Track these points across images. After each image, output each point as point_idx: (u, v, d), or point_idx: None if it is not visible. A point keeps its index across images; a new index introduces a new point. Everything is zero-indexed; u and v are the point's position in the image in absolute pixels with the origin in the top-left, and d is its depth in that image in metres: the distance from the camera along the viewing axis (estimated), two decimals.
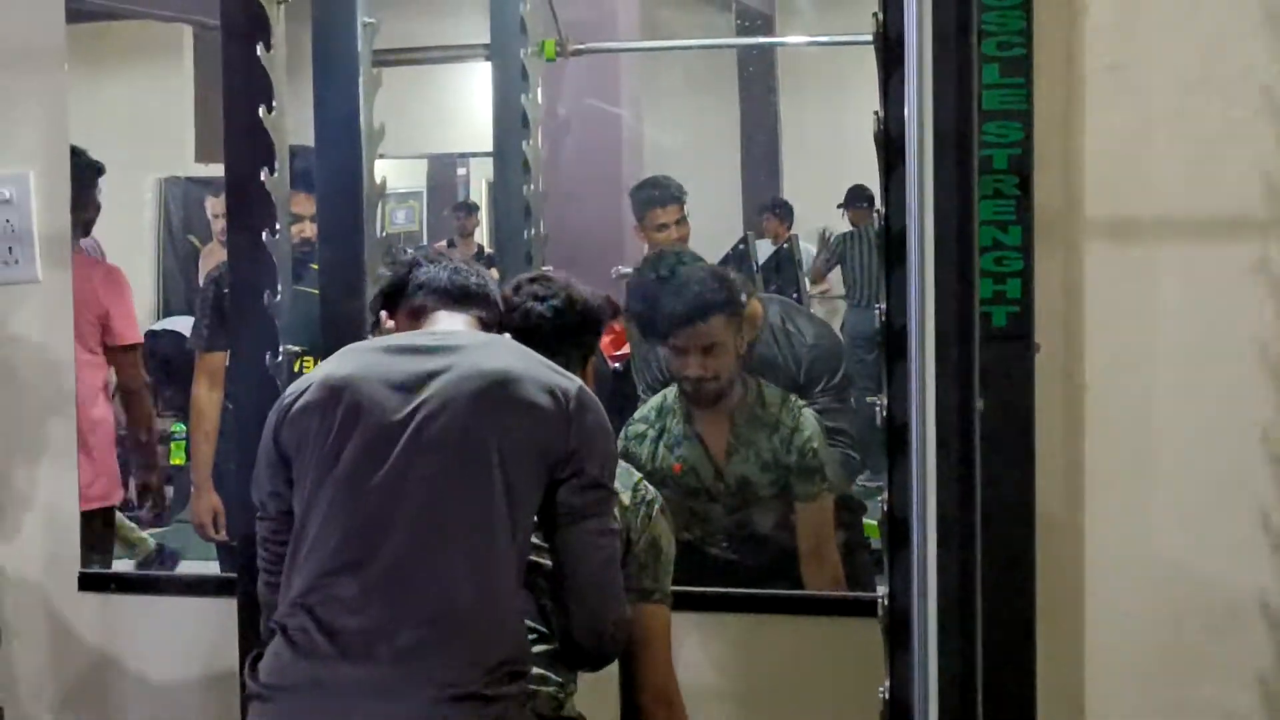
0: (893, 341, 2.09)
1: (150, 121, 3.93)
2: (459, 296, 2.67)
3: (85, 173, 3.97)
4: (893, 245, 2.07)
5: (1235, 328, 3.06)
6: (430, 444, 2.37)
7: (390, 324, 2.75)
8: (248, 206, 3.22)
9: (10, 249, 3.63)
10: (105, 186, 3.85)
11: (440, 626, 2.31)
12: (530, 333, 2.68)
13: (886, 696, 2.20)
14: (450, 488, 2.37)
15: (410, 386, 2.41)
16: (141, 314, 4.11)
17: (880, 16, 2.06)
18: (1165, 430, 3.14)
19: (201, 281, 4.10)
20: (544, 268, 3.03)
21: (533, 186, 3.94)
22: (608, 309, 2.87)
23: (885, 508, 2.20)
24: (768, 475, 3.54)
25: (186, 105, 3.79)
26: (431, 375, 2.42)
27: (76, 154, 3.96)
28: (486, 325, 2.67)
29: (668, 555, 2.71)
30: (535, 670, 2.46)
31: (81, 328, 3.90)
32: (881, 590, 2.24)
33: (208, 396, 4.09)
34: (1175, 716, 3.16)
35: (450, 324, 2.63)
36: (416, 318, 2.67)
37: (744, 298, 3.61)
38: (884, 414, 2.16)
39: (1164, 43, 3.08)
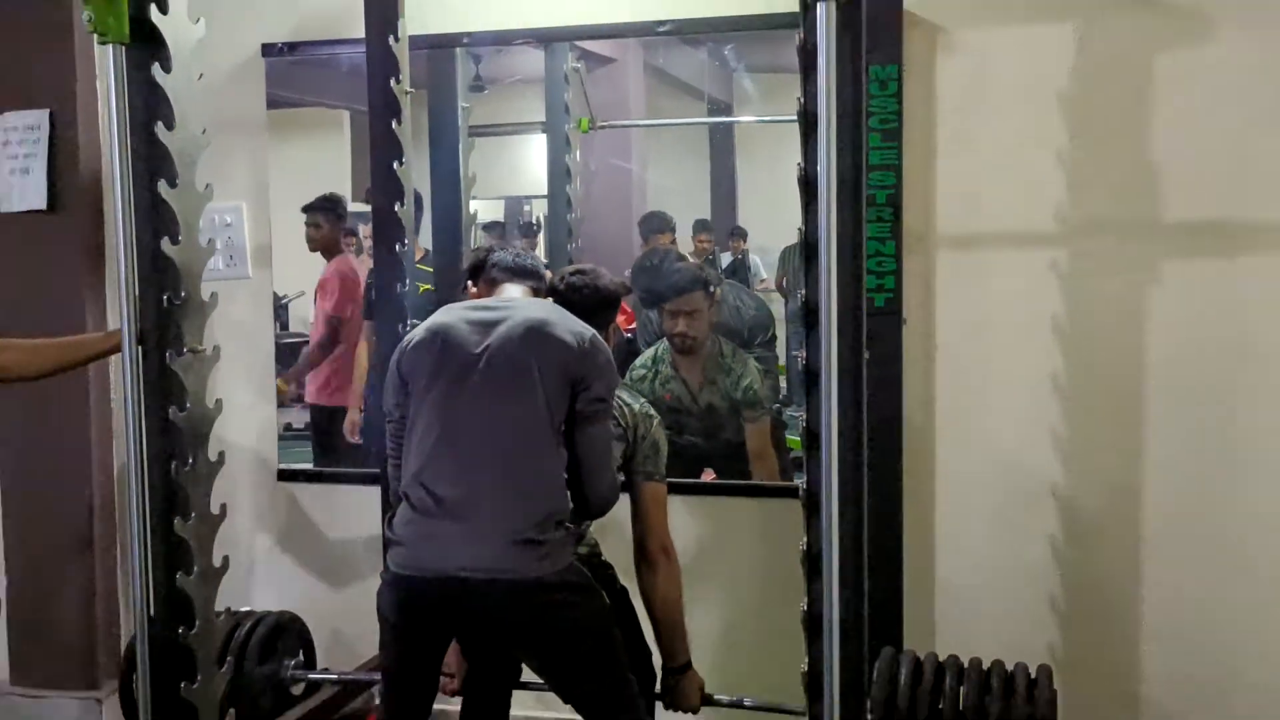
0: (810, 314, 2.11)
1: (321, 174, 4.00)
2: (519, 272, 2.69)
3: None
4: (810, 251, 2.11)
5: (1036, 307, 3.11)
6: (494, 368, 2.40)
7: (473, 290, 2.78)
8: (387, 229, 3.31)
9: (230, 256, 3.72)
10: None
11: (506, 493, 2.37)
12: (569, 304, 2.64)
13: (804, 550, 2.23)
14: (508, 397, 2.39)
15: (482, 332, 2.44)
16: None
17: (802, 101, 2.10)
18: (990, 374, 3.19)
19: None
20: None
21: (573, 215, 3.98)
22: (622, 290, 2.83)
23: (803, 425, 2.21)
24: (726, 403, 3.58)
25: (345, 163, 3.87)
26: (496, 324, 2.44)
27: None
28: (537, 292, 2.69)
29: (663, 451, 2.72)
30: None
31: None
32: (801, 480, 2.25)
33: (363, 347, 4.03)
34: (999, 566, 3.19)
35: (512, 292, 2.65)
36: (491, 286, 2.69)
37: (712, 287, 3.66)
38: (803, 362, 2.18)
39: (990, 120, 3.13)
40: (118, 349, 2.45)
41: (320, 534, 3.62)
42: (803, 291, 2.19)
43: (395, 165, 3.26)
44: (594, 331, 2.52)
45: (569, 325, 2.49)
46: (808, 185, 2.11)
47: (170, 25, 2.38)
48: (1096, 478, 3.15)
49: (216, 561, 2.55)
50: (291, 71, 3.83)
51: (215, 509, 2.53)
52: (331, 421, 4.11)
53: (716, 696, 2.83)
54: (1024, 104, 3.12)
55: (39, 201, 3.69)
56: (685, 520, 3.25)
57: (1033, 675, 2.50)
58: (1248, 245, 3.02)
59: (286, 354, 4.05)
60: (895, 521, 2.93)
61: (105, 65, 2.35)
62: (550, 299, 2.69)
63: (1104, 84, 3.07)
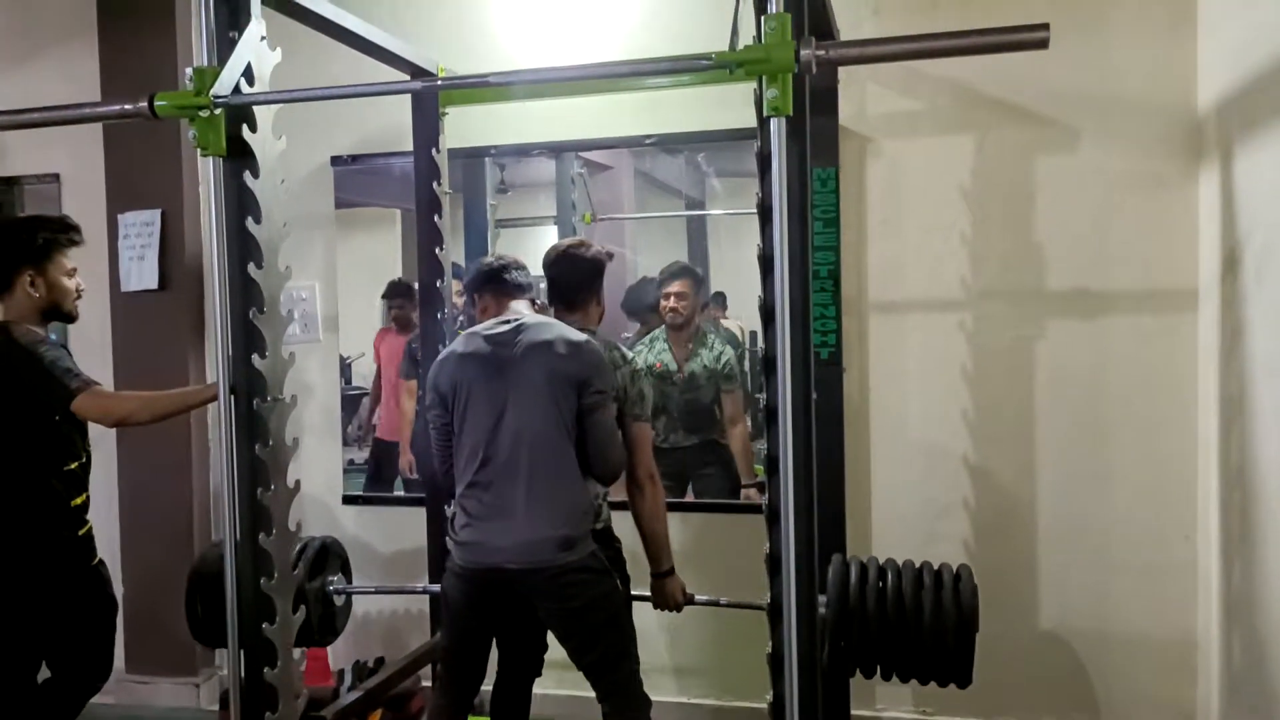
0: (769, 364, 2.08)
1: (378, 261, 4.01)
2: (518, 288, 2.65)
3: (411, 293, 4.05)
4: (768, 314, 2.08)
5: (947, 357, 3.13)
6: (517, 389, 2.40)
7: (480, 305, 2.69)
8: (430, 301, 3.28)
9: (305, 324, 3.72)
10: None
11: (537, 497, 2.37)
12: (569, 272, 2.65)
13: (767, 553, 2.14)
14: (530, 410, 2.39)
15: (501, 354, 2.44)
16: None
17: (760, 197, 2.08)
18: (911, 410, 3.19)
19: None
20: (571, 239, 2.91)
21: None
22: (605, 258, 2.73)
23: (765, 453, 2.13)
24: (705, 373, 3.56)
25: (397, 251, 3.87)
26: (512, 345, 2.44)
27: (401, 285, 3.98)
28: (533, 302, 2.66)
29: (648, 398, 2.65)
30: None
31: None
32: (763, 499, 2.14)
33: (409, 404, 3.98)
34: (926, 539, 3.15)
35: (518, 307, 2.60)
36: (498, 300, 2.64)
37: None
38: (765, 402, 2.13)
39: (908, 210, 3.15)
40: (215, 398, 2.42)
41: (375, 545, 3.55)
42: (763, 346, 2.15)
43: (437, 250, 3.25)
44: (585, 337, 2.49)
45: (566, 337, 2.47)
46: (766, 262, 2.09)
47: (258, 141, 2.37)
48: (998, 493, 3.15)
49: (294, 569, 2.50)
50: (355, 179, 3.83)
51: (292, 526, 2.49)
52: (388, 454, 4.08)
53: (697, 597, 2.76)
54: (934, 197, 3.15)
55: (152, 282, 3.68)
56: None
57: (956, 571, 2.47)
58: (1106, 308, 3.05)
59: (349, 404, 4.03)
60: (842, 532, 2.89)
61: (207, 173, 2.33)
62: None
63: (996, 181, 3.10)
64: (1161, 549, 3.02)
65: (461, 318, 3.37)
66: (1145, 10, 2.96)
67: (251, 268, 2.36)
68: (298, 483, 2.50)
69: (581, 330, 2.57)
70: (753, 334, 3.65)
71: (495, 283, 2.67)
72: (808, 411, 2.21)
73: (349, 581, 3.14)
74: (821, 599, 2.31)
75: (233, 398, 2.36)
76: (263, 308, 2.38)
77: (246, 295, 2.37)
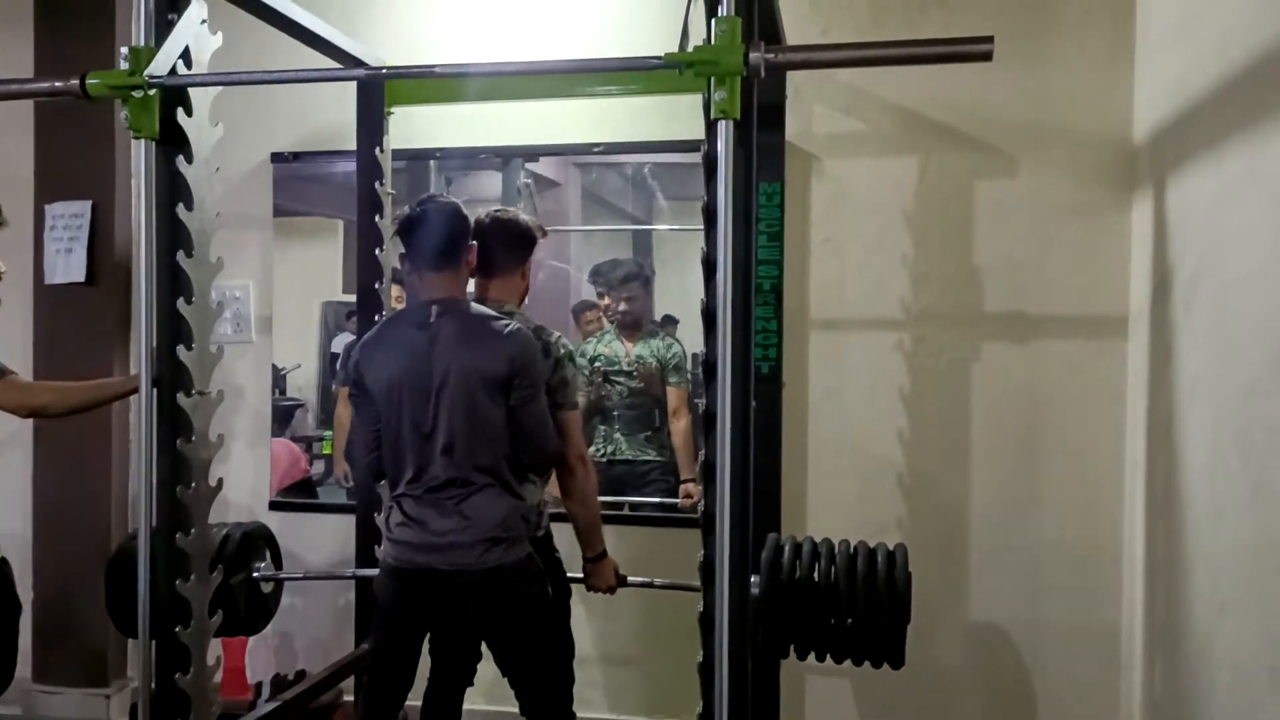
0: (709, 369, 2.03)
1: (320, 270, 3.91)
2: (437, 261, 2.36)
3: None
4: (710, 319, 2.03)
5: (884, 375, 3.13)
6: (440, 386, 2.26)
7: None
8: (368, 302, 3.21)
9: (238, 324, 3.61)
10: (291, 310, 3.77)
11: (471, 498, 2.28)
12: (496, 237, 2.48)
13: (700, 561, 2.06)
14: (460, 407, 2.26)
15: (423, 350, 2.28)
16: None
17: (706, 200, 2.04)
18: (849, 428, 3.17)
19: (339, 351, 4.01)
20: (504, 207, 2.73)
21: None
22: (538, 232, 2.58)
23: (702, 459, 2.05)
24: (654, 359, 3.52)
25: (339, 260, 3.77)
26: (435, 340, 2.28)
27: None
28: (458, 274, 2.39)
29: (573, 384, 2.51)
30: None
31: None
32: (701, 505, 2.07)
33: (343, 411, 3.90)
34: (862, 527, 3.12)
35: (434, 288, 2.36)
36: (416, 273, 2.39)
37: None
38: (704, 408, 2.07)
39: (853, 229, 3.15)
40: (135, 390, 2.32)
41: (302, 554, 3.43)
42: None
43: (377, 251, 3.18)
44: (512, 327, 2.33)
45: (491, 329, 2.31)
46: (709, 266, 2.05)
47: (194, 126, 2.30)
48: (932, 513, 3.14)
49: (212, 572, 2.39)
50: (299, 187, 3.74)
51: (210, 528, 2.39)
52: None
53: (630, 578, 2.68)
54: (876, 218, 3.16)
55: (79, 275, 3.54)
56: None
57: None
58: (1041, 332, 3.07)
59: (284, 415, 3.91)
60: (775, 515, 2.83)
61: (138, 156, 2.24)
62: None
63: (937, 205, 3.12)
64: (1089, 572, 3.05)
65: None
66: (1084, 42, 3.01)
67: (181, 256, 2.28)
68: (220, 481, 2.41)
69: (501, 307, 2.44)
70: (695, 356, 3.65)
71: (419, 247, 2.38)
72: (746, 416, 2.15)
73: (279, 568, 3.02)
74: (755, 580, 2.25)
75: (155, 390, 2.26)
76: (191, 298, 2.29)
77: (174, 284, 2.29)
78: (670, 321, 3.78)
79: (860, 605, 2.29)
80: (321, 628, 3.56)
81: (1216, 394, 2.34)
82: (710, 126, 2.03)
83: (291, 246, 3.83)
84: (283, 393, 3.99)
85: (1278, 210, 2.02)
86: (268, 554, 2.98)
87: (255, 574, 2.89)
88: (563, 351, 2.51)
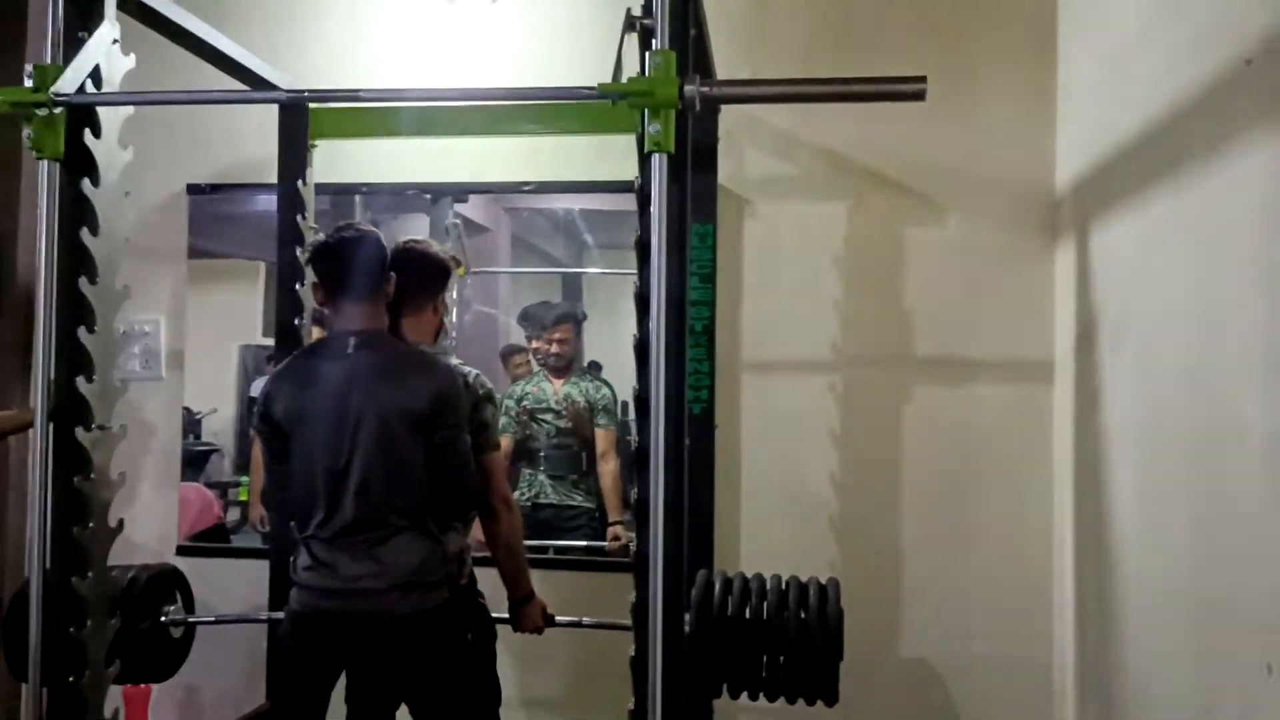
0: (641, 404, 1.96)
1: (239, 313, 3.76)
2: (354, 289, 2.26)
3: None
4: (643, 353, 1.97)
5: (815, 419, 3.10)
6: (355, 425, 2.16)
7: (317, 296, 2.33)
8: (286, 340, 3.06)
9: (147, 360, 3.45)
10: (208, 353, 3.65)
11: (386, 543, 2.16)
12: (407, 268, 2.36)
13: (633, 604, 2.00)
14: (376, 450, 2.16)
15: (340, 385, 2.18)
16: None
17: (639, 233, 2.00)
18: (779, 460, 3.13)
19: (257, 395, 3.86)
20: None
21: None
22: (452, 263, 2.49)
23: (637, 499, 1.96)
24: (582, 399, 3.50)
25: (259, 303, 3.63)
26: (351, 376, 2.18)
27: None
28: (375, 303, 2.29)
29: (493, 425, 2.42)
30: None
31: None
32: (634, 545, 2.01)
33: (260, 454, 3.76)
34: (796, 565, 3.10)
35: (349, 319, 2.26)
36: (330, 300, 2.29)
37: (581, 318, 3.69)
38: (636, 445, 2.00)
39: (784, 272, 3.14)
40: (29, 424, 2.17)
41: (213, 601, 3.25)
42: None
43: (297, 287, 3.06)
44: (432, 361, 2.26)
45: (411, 365, 2.22)
46: (642, 301, 2.00)
47: (102, 148, 2.18)
48: (864, 556, 3.11)
49: (111, 618, 2.23)
50: (219, 228, 3.62)
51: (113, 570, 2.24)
52: None
53: (558, 618, 2.60)
54: (807, 261, 3.15)
55: None
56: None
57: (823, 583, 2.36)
58: (970, 376, 3.09)
59: (198, 460, 3.76)
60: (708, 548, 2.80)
61: (42, 178, 2.13)
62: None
63: (867, 248, 3.13)
64: (1020, 612, 3.04)
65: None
66: (1009, 93, 3.07)
67: (83, 283, 2.16)
68: (120, 522, 2.27)
69: (412, 345, 2.34)
70: (624, 404, 3.62)
71: (327, 280, 2.28)
72: (680, 453, 2.09)
73: (191, 611, 2.86)
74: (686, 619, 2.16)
75: (51, 424, 2.12)
76: (93, 327, 2.17)
77: (76, 312, 2.16)
78: (596, 367, 3.74)
79: (793, 640, 2.23)
80: (231, 678, 3.35)
81: (1145, 438, 2.36)
82: (644, 160, 2.00)
83: (210, 288, 3.71)
84: (197, 437, 3.84)
85: (1203, 253, 2.05)
86: (178, 597, 2.82)
87: (164, 618, 2.73)
88: (482, 391, 2.42)
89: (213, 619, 2.98)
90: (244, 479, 3.86)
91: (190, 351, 3.53)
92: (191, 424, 3.72)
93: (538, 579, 2.58)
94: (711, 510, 2.80)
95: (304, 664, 2.23)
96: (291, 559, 2.28)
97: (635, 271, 2.01)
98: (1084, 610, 2.78)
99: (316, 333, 3.18)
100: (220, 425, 3.87)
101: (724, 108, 2.96)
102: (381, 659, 2.22)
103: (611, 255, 4.11)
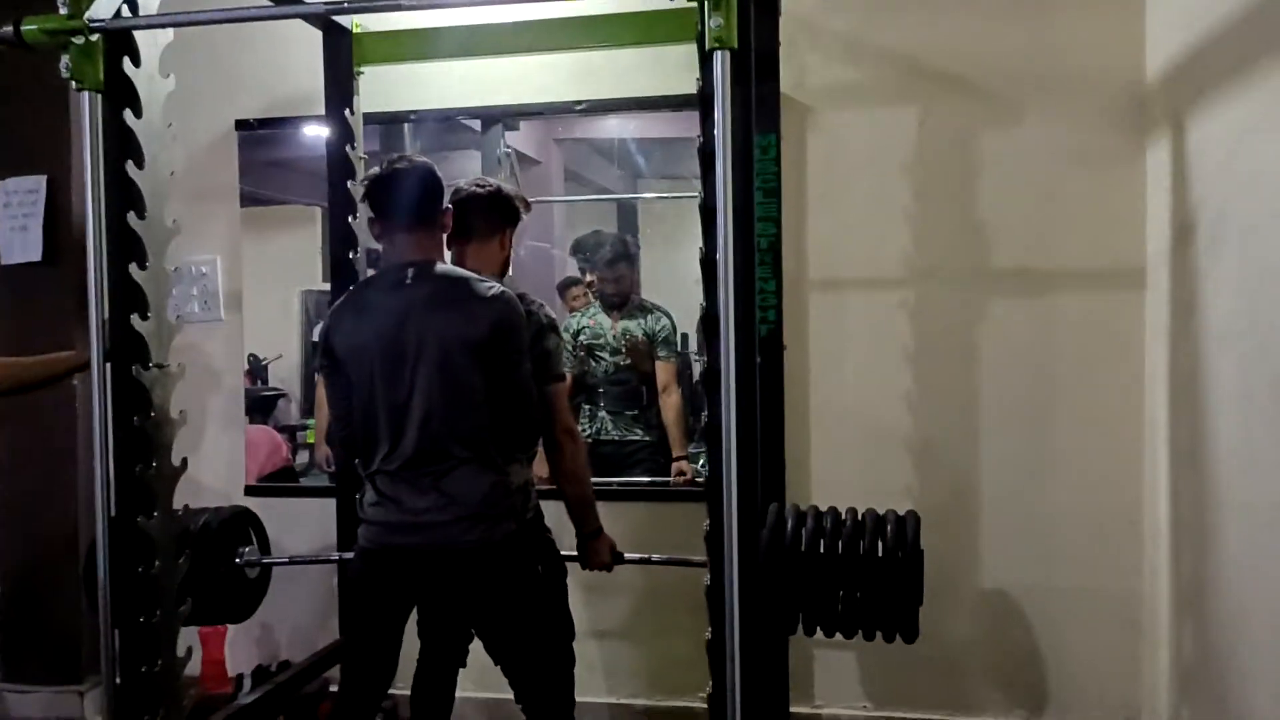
0: (711, 322, 1.90)
1: (299, 259, 3.71)
2: (408, 222, 2.19)
3: None
4: (710, 269, 1.90)
5: (887, 337, 2.98)
6: (418, 355, 2.08)
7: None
8: (341, 269, 3.03)
9: (205, 301, 3.41)
10: (270, 300, 3.66)
11: (453, 475, 2.09)
12: (476, 205, 2.33)
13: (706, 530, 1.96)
14: (439, 378, 2.08)
15: (400, 315, 2.10)
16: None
17: (701, 140, 1.92)
18: (849, 384, 3.02)
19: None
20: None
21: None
22: (521, 204, 2.44)
23: (708, 422, 1.93)
24: (640, 332, 3.43)
25: (318, 249, 3.56)
26: (413, 304, 2.10)
27: None
28: (430, 234, 2.22)
29: (558, 354, 2.34)
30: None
31: None
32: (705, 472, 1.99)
33: (322, 395, 3.72)
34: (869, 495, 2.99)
35: (405, 249, 2.18)
36: (386, 233, 2.21)
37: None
38: (703, 365, 1.97)
39: (850, 184, 3.00)
40: (86, 365, 2.15)
41: (281, 541, 3.25)
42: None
43: (350, 219, 3.00)
44: (496, 290, 2.15)
45: (475, 294, 2.12)
46: (707, 213, 1.90)
47: (142, 77, 2.12)
48: (940, 480, 2.99)
49: (179, 558, 2.22)
50: (277, 174, 3.61)
51: (178, 507, 2.22)
52: None
53: (627, 555, 2.53)
54: (875, 172, 3.00)
55: (35, 255, 3.35)
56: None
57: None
58: (1051, 287, 2.93)
59: (268, 405, 3.79)
60: (780, 477, 2.61)
61: (83, 110, 2.07)
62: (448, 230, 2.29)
63: (938, 156, 2.97)
64: (1106, 538, 2.91)
65: None
66: None
67: (132, 218, 2.11)
68: (184, 461, 2.24)
69: (478, 275, 2.23)
70: (684, 336, 3.53)
71: (394, 208, 2.20)
72: (751, 374, 2.06)
73: (267, 553, 2.87)
74: None
75: (108, 364, 2.09)
76: (144, 263, 2.12)
77: (126, 248, 2.11)
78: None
79: (871, 577, 2.13)
80: (305, 616, 3.38)
81: (1247, 340, 2.20)
82: (705, 61, 1.89)
83: (270, 235, 3.68)
84: (264, 383, 3.85)
85: None
86: (253, 538, 2.83)
87: (239, 559, 2.73)
88: (546, 321, 2.35)
89: (286, 560, 2.98)
90: (310, 422, 3.87)
91: (253, 299, 3.48)
92: (258, 370, 3.72)
93: (604, 511, 2.52)
94: (781, 435, 2.68)
95: (375, 599, 2.20)
96: (358, 496, 2.23)
97: (689, 195, 1.93)
98: (1179, 529, 2.64)
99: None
100: (286, 372, 3.89)
101: (784, 14, 2.80)
102: (450, 591, 2.18)
103: (663, 186, 3.99)
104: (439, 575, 2.14)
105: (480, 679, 3.12)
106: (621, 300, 3.47)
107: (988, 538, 2.98)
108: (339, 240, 3.02)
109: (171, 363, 2.18)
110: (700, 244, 1.95)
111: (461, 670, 2.62)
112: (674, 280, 3.68)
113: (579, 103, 3.17)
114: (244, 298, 3.46)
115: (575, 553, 2.46)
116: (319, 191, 3.19)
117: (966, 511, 2.98)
